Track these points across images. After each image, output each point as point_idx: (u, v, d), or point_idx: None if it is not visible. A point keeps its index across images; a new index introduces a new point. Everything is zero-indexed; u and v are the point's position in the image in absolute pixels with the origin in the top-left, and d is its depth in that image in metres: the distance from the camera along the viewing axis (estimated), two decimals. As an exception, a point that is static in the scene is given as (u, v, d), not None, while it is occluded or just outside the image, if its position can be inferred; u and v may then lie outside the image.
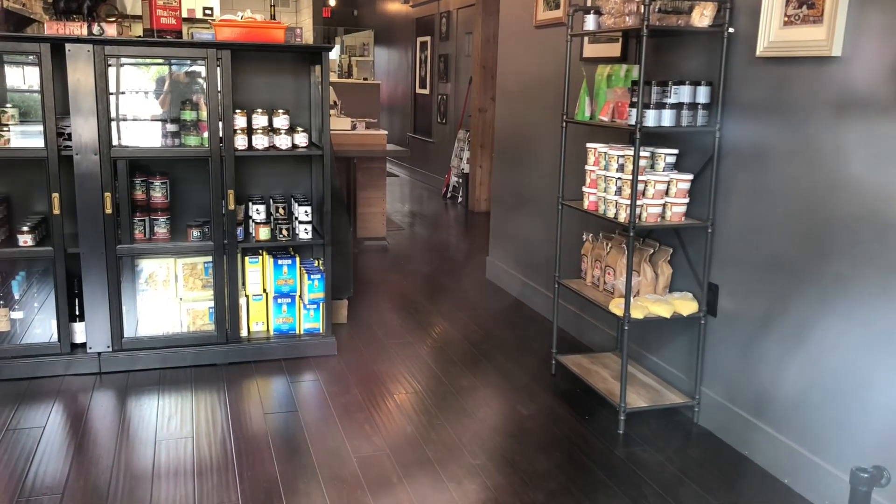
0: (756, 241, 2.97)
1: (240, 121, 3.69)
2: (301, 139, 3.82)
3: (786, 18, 2.73)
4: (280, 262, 3.94)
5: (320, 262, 4.00)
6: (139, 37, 3.73)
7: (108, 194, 3.51)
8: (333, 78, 10.35)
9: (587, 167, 3.46)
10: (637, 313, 3.17)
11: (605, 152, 3.30)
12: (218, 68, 3.56)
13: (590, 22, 3.39)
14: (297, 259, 3.99)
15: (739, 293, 3.08)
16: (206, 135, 3.65)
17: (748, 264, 3.02)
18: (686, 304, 3.23)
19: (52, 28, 3.43)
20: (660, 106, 3.06)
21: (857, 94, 2.50)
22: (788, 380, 2.83)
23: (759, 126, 2.93)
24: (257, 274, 3.95)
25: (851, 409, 2.57)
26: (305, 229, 3.89)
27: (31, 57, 3.42)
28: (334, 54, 12.89)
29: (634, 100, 3.06)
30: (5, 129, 3.45)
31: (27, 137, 3.48)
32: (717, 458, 3.02)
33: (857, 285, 2.53)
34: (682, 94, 3.07)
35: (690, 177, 3.14)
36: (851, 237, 2.54)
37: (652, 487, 2.79)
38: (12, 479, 2.71)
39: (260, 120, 3.74)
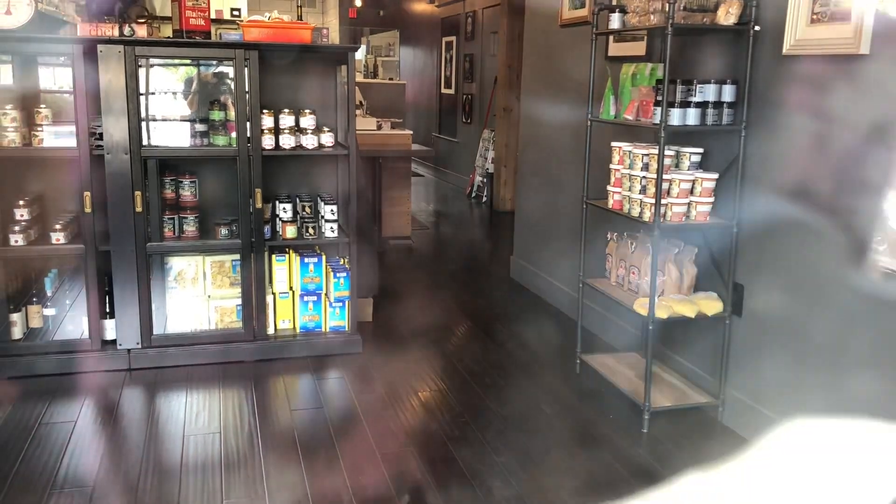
0: (783, 242, 2.94)
1: (267, 121, 3.73)
2: (327, 139, 3.85)
3: (813, 16, 2.71)
4: (306, 260, 3.97)
5: (346, 260, 4.04)
6: (168, 38, 3.79)
7: (138, 193, 3.57)
8: (359, 78, 10.41)
9: (612, 166, 3.45)
10: (661, 313, 3.16)
11: (630, 151, 3.30)
12: (245, 69, 3.60)
13: (615, 20, 3.39)
14: (323, 257, 4.03)
15: (765, 294, 3.06)
16: (233, 135, 3.69)
17: (775, 265, 2.99)
18: (711, 304, 3.22)
19: (84, 29, 3.49)
20: (685, 105, 3.05)
21: (886, 92, 2.48)
22: (813, 380, 2.80)
23: (785, 124, 2.91)
24: (284, 272, 3.99)
25: (878, 411, 2.54)
26: (331, 228, 3.93)
27: (63, 58, 3.48)
28: (360, 54, 12.95)
29: (659, 98, 3.05)
30: (39, 128, 3.53)
31: (60, 137, 3.55)
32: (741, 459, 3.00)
33: (889, 290, 2.50)
34: (707, 92, 3.05)
35: (716, 176, 3.13)
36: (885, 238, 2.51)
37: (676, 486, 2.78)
38: (44, 472, 2.77)
39: (287, 120, 3.78)
